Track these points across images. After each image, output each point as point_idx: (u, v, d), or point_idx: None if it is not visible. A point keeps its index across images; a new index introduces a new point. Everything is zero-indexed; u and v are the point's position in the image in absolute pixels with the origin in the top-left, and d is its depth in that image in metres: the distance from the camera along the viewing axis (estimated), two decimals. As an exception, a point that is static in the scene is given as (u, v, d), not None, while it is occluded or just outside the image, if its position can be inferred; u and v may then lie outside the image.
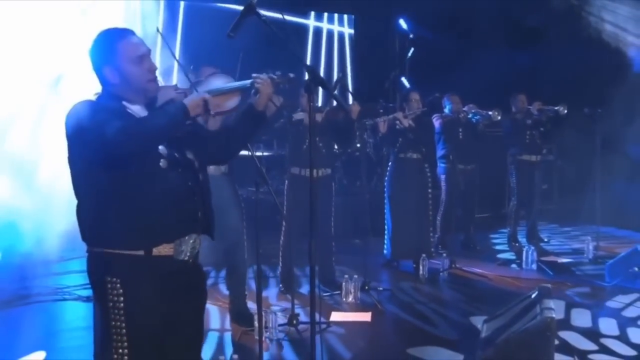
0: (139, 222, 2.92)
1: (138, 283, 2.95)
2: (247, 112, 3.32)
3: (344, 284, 6.91)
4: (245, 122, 3.35)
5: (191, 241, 3.10)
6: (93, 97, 3.07)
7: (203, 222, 3.18)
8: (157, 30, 3.12)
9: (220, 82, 3.30)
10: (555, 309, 4.50)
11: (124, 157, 2.83)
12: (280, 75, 3.31)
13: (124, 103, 3.03)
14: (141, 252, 2.95)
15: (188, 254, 3.09)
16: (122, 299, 2.93)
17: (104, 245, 2.95)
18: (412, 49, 12.93)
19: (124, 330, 2.94)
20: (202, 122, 4.22)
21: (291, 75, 3.34)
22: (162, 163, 2.99)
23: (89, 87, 3.15)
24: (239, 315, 6.12)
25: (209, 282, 7.26)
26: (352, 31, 13.89)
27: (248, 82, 3.27)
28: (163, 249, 3.00)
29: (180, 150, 3.10)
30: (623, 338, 5.83)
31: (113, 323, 2.95)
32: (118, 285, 2.93)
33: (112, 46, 3.02)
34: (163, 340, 3.05)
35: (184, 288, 3.11)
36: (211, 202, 3.27)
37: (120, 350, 2.95)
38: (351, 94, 10.75)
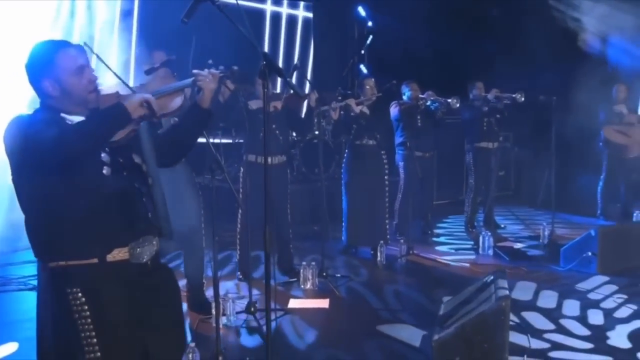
0: (88, 230, 2.89)
1: (98, 288, 2.92)
2: (192, 111, 3.29)
3: (301, 270, 6.93)
4: (191, 121, 3.32)
5: (147, 244, 3.07)
6: (30, 111, 3.01)
7: (156, 223, 3.14)
8: (85, 44, 3.08)
9: (161, 84, 3.25)
10: (508, 288, 4.57)
11: (62, 162, 2.76)
12: (224, 69, 3.28)
13: (62, 115, 2.97)
14: (95, 260, 2.92)
15: (145, 257, 3.06)
16: (86, 307, 2.89)
17: (57, 258, 2.92)
18: (371, 37, 12.95)
19: (95, 340, 2.90)
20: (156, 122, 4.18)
21: (234, 67, 3.32)
22: (105, 171, 2.95)
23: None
24: (197, 303, 6.10)
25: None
26: (310, 16, 13.83)
27: (189, 80, 3.23)
28: (117, 254, 2.96)
29: (125, 155, 3.06)
30: (582, 319, 5.97)
31: (82, 334, 2.90)
32: (79, 294, 2.89)
33: (50, 58, 2.96)
34: (138, 344, 3.03)
35: (149, 290, 3.08)
36: (164, 203, 3.23)
37: None
38: (309, 81, 10.77)
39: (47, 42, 3.05)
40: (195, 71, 3.23)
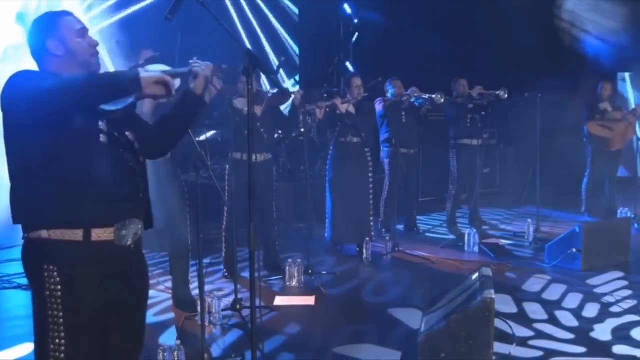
0: (78, 198, 2.85)
1: (76, 271, 2.89)
2: (185, 97, 3.27)
3: (287, 268, 6.92)
4: (184, 108, 3.30)
5: (132, 226, 3.04)
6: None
7: (144, 206, 3.14)
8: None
9: (158, 67, 3.25)
10: (493, 284, 4.59)
11: (65, 106, 2.75)
12: (215, 66, 3.31)
13: None
14: (80, 238, 2.88)
15: (130, 239, 3.03)
16: (59, 287, 2.86)
17: (40, 225, 2.87)
18: (357, 34, 12.96)
19: (62, 320, 2.87)
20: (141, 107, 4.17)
21: (224, 66, 3.35)
22: (102, 138, 2.93)
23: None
24: (182, 301, 6.10)
25: (152, 267, 7.22)
26: (296, 14, 13.84)
27: (186, 68, 3.24)
28: (103, 234, 2.93)
29: (120, 130, 3.05)
30: (576, 312, 6.08)
31: (50, 312, 2.87)
32: (55, 273, 2.86)
33: (54, 21, 3.03)
34: (102, 329, 3.00)
35: (125, 275, 3.06)
36: (149, 188, 3.23)
37: (57, 340, 2.87)
38: (295, 80, 10.76)
39: (48, 12, 3.12)
40: (193, 60, 3.26)
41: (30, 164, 2.86)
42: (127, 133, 3.09)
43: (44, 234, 2.87)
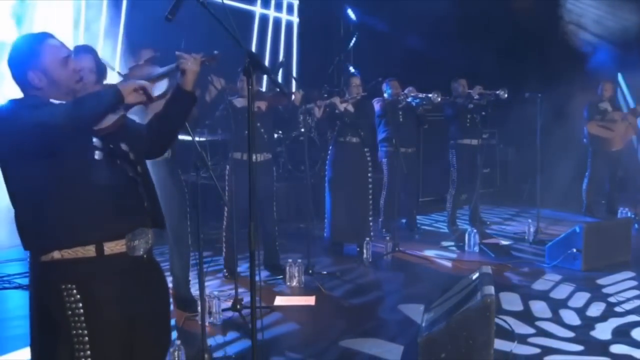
0: (84, 216, 2.85)
1: (95, 286, 2.89)
2: (176, 94, 3.23)
3: (287, 268, 6.92)
4: (175, 105, 3.24)
5: (143, 235, 3.04)
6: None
7: (151, 214, 3.12)
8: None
9: (147, 70, 3.24)
10: (493, 285, 4.60)
11: (56, 136, 2.73)
12: (204, 54, 3.25)
13: (51, 100, 2.95)
14: (93, 253, 2.88)
15: (142, 249, 3.04)
16: (80, 304, 2.86)
17: (51, 247, 2.86)
18: (357, 35, 12.96)
19: (86, 338, 2.87)
20: (139, 113, 4.16)
21: (215, 52, 3.30)
22: (97, 155, 2.92)
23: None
24: (183, 301, 6.09)
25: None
26: (297, 17, 13.84)
27: (173, 65, 3.22)
28: (115, 246, 2.93)
29: (115, 142, 3.03)
30: (580, 311, 6.09)
31: (74, 332, 2.86)
32: (74, 291, 2.86)
33: (34, 50, 2.95)
34: (127, 342, 3.00)
35: (142, 286, 3.06)
36: (156, 194, 3.22)
37: None
38: (295, 79, 10.76)
39: (29, 35, 3.06)
40: (178, 53, 3.21)
41: (31, 188, 2.85)
42: (122, 145, 3.08)
43: (57, 254, 2.86)
